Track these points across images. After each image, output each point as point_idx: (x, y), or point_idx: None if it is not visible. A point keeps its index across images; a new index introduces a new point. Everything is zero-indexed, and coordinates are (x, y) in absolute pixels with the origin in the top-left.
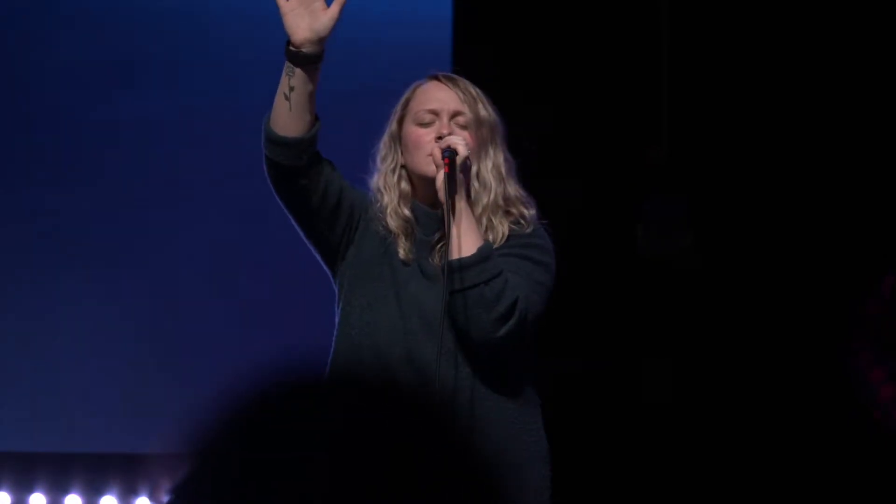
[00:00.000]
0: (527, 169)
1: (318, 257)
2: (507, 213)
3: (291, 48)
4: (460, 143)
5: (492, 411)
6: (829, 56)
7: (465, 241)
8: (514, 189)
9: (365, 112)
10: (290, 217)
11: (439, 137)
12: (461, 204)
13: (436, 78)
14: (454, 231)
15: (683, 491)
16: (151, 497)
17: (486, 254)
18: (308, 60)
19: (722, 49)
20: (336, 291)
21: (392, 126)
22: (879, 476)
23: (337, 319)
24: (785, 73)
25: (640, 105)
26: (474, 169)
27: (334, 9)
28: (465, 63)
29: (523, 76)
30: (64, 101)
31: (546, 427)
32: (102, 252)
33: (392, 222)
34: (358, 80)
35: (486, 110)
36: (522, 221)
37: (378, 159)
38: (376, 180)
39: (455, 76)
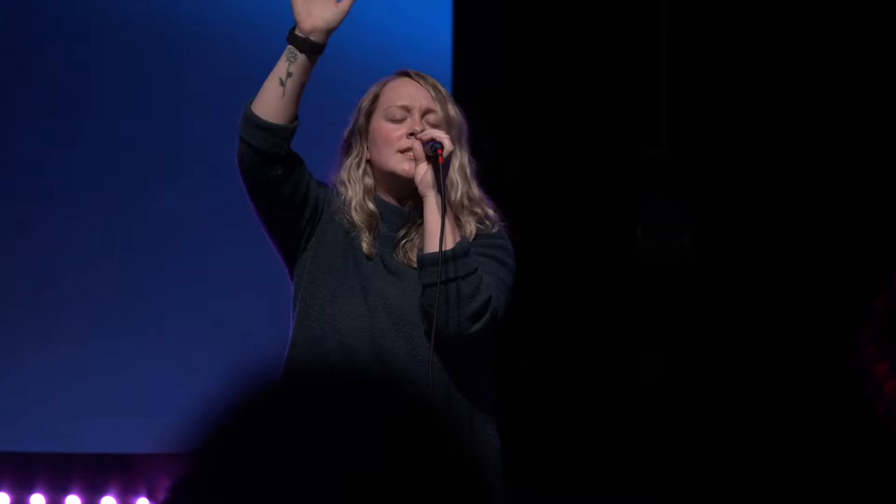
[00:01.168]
0: (527, 168)
1: (277, 251)
2: (473, 212)
3: (299, 34)
4: (445, 136)
5: (463, 405)
6: (829, 56)
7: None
8: (476, 189)
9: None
10: (256, 208)
11: (411, 134)
12: (440, 199)
13: (406, 74)
14: (435, 225)
15: (682, 491)
16: (151, 497)
17: (465, 248)
18: (313, 49)
19: (722, 49)
20: (293, 286)
21: (359, 120)
22: (881, 472)
23: (294, 312)
24: (785, 72)
25: (640, 105)
26: (451, 159)
27: (346, 3)
28: (464, 62)
29: (523, 76)
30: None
31: (545, 427)
32: (102, 253)
33: (357, 216)
34: (351, 84)
35: (454, 110)
36: (487, 221)
37: (340, 153)
38: (339, 174)
39: (424, 74)
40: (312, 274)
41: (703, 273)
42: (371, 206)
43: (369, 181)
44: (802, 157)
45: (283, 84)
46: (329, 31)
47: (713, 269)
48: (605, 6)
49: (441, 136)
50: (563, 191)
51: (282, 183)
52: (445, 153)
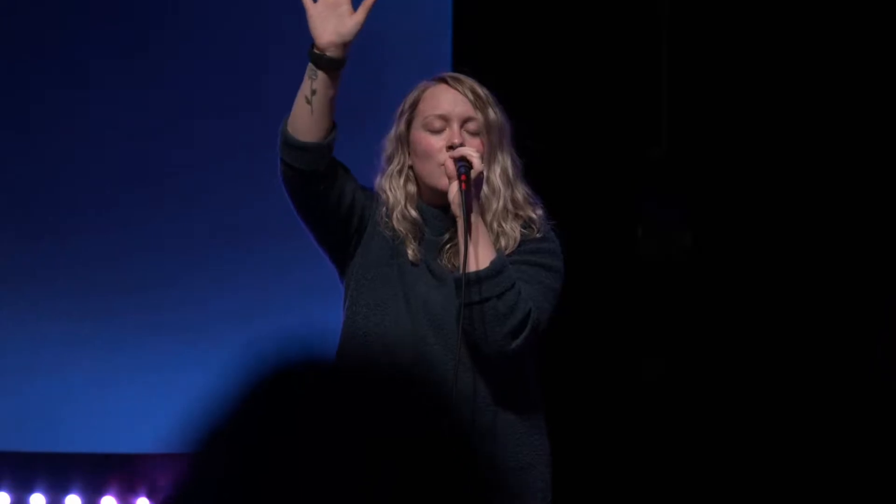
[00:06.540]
0: (527, 168)
1: (328, 258)
2: (517, 216)
3: (316, 51)
4: (475, 155)
5: (506, 414)
6: (829, 55)
7: (478, 253)
8: (521, 192)
9: (365, 113)
10: (303, 222)
11: (450, 147)
12: (474, 217)
13: (444, 80)
14: (468, 245)
15: (683, 491)
16: (151, 497)
17: (499, 267)
18: (331, 65)
19: (722, 49)
20: (343, 290)
21: (400, 127)
22: (876, 476)
23: (343, 320)
24: (785, 72)
25: (640, 105)
26: (484, 174)
27: (360, 14)
28: (465, 62)
29: (523, 75)
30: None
31: (546, 426)
32: (101, 250)
33: (399, 225)
34: (364, 79)
35: (494, 113)
36: (532, 225)
37: (383, 159)
38: (381, 181)
39: (462, 77)
40: (359, 281)
41: (704, 273)
42: (413, 213)
43: (412, 188)
44: (803, 157)
45: (309, 102)
46: (346, 45)
47: (713, 269)
48: (606, 6)
49: (471, 154)
50: (564, 190)
51: (326, 197)
52: (474, 174)
